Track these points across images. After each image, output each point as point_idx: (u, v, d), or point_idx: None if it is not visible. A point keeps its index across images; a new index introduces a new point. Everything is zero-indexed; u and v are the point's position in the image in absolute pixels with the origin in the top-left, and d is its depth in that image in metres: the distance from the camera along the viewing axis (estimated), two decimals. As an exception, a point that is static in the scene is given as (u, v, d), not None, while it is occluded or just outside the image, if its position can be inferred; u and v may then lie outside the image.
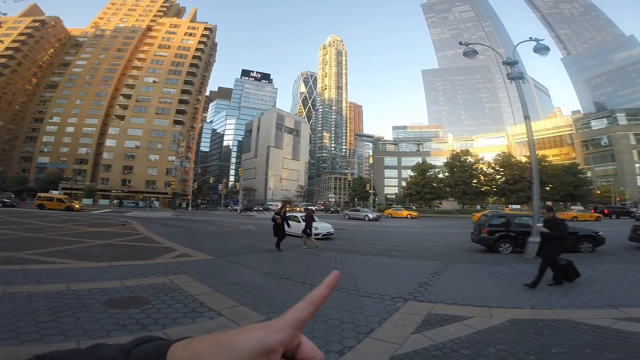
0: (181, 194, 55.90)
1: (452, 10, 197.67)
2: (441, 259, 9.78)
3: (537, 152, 13.27)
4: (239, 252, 10.59)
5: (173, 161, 56.51)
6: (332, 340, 3.74)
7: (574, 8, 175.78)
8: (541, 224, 6.70)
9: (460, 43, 12.54)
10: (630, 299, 5.27)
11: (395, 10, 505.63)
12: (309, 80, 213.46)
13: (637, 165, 78.20)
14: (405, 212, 41.62)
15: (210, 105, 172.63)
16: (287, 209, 11.92)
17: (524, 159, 57.97)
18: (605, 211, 39.17)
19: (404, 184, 71.63)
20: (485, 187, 55.99)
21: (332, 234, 16.36)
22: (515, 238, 11.51)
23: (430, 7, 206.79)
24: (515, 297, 5.52)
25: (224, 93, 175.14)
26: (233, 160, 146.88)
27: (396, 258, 10.12)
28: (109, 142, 72.96)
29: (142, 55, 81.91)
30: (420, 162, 65.55)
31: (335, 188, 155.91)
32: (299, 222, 14.22)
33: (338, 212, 56.52)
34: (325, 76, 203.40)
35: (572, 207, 43.95)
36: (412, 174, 61.95)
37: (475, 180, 55.55)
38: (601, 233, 12.00)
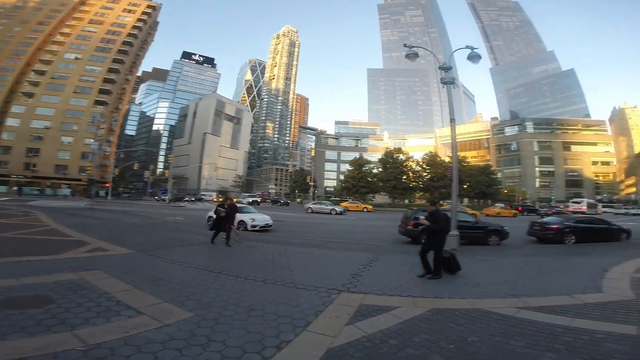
0: (98, 180, 49.52)
1: (405, 14, 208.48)
2: (372, 250, 10.14)
3: (458, 153, 14.52)
4: (165, 245, 9.72)
5: (90, 144, 49.83)
6: (269, 335, 3.61)
7: (512, 22, 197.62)
8: (424, 217, 6.91)
9: (405, 45, 12.94)
10: (528, 289, 5.90)
11: (353, 8, 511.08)
12: (257, 68, 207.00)
13: (537, 169, 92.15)
14: (362, 206, 42.93)
15: (142, 86, 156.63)
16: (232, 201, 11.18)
17: (447, 159, 64.09)
18: (520, 209, 45.59)
19: (342, 177, 73.84)
20: (414, 183, 60.64)
21: (271, 225, 16.02)
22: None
23: (385, 8, 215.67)
24: (435, 287, 5.90)
25: (159, 74, 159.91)
26: (163, 146, 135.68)
27: (332, 250, 10.26)
28: (10, 122, 62.49)
29: (67, 30, 72.01)
30: (358, 157, 68.13)
31: (276, 179, 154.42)
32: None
33: (288, 204, 54.43)
34: (275, 66, 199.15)
35: (497, 205, 49.86)
36: (349, 168, 64.13)
37: (405, 177, 59.57)
38: (506, 228, 13.42)
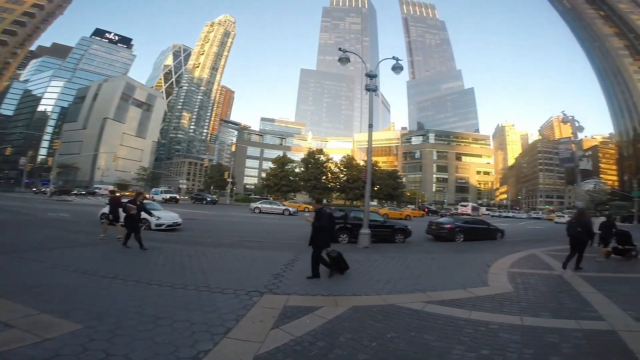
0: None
1: (346, 20, 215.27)
2: (293, 249, 10.02)
3: (372, 158, 15.49)
4: (44, 246, 8.06)
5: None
6: (183, 345, 3.22)
7: (434, 40, 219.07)
8: (309, 215, 7.29)
9: (340, 49, 13.34)
10: (430, 283, 6.47)
11: (299, 7, 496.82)
12: (181, 54, 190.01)
13: (434, 175, 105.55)
14: (302, 205, 40.82)
15: (32, 62, 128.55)
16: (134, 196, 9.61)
17: (362, 163, 68.62)
18: (425, 210, 51.45)
19: (263, 175, 72.60)
20: (332, 184, 63.18)
21: (180, 224, 14.61)
22: (351, 229, 12.89)
23: (329, 12, 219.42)
24: (353, 285, 6.07)
25: (59, 51, 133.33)
26: (50, 130, 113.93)
27: (251, 249, 9.82)
28: None
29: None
30: (282, 155, 67.91)
31: (189, 173, 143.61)
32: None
33: (215, 203, 45.78)
34: (203, 54, 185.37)
35: (409, 206, 55.02)
36: (272, 165, 63.48)
37: (324, 177, 61.72)
38: (409, 227, 14.82)
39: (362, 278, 6.72)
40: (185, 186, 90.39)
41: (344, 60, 13.10)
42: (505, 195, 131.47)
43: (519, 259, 10.10)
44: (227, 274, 6.31)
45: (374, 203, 61.69)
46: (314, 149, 67.40)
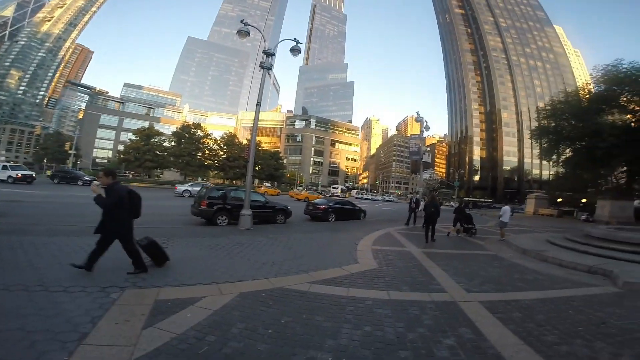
0: None
1: None
2: (161, 234, 8.84)
3: (257, 137, 15.21)
4: None
5: None
6: (26, 358, 2.57)
7: (333, 31, 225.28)
8: (98, 183, 5.11)
9: (241, 21, 12.43)
10: (312, 263, 6.70)
11: None
12: (29, 5, 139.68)
13: (312, 159, 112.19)
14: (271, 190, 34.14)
15: None
16: None
17: (244, 141, 66.79)
18: (322, 194, 53.37)
19: (122, 148, 61.90)
20: (209, 162, 59.25)
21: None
22: (231, 210, 12.35)
23: None
24: (237, 270, 5.75)
25: None
26: None
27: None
28: None
29: None
30: (147, 126, 59.13)
31: (10, 143, 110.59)
32: None
33: (88, 183, 28.82)
34: (61, 7, 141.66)
35: (301, 188, 55.97)
36: (134, 137, 54.67)
37: (200, 154, 57.29)
38: (289, 207, 15.25)
39: (247, 262, 6.45)
40: (3, 158, 68.90)
41: (244, 33, 12.21)
42: (366, 180, 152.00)
43: (378, 236, 11.63)
44: (70, 269, 4.83)
45: (256, 183, 61.29)
46: (190, 123, 61.64)
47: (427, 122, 24.65)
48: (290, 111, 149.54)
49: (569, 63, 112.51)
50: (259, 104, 13.26)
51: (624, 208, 30.35)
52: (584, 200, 45.12)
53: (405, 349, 3.23)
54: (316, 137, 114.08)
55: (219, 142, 60.83)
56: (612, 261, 7.92)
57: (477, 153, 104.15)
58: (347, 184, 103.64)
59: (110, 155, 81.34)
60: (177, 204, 20.05)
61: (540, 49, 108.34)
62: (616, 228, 12.36)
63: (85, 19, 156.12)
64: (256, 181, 66.48)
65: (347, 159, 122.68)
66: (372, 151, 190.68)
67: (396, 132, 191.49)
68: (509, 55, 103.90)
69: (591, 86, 36.55)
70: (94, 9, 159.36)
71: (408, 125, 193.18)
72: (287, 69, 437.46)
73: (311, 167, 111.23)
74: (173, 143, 56.06)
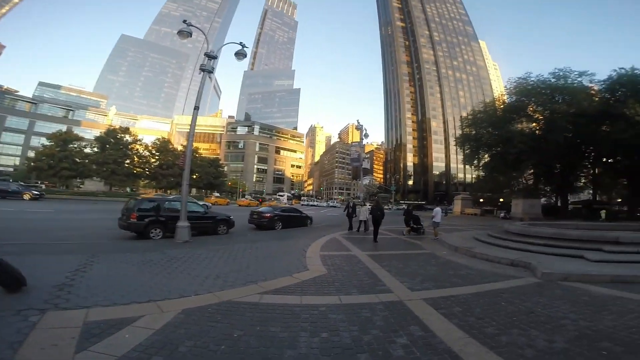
0: None
1: None
2: (84, 251, 7.91)
3: (194, 143, 14.42)
4: None
5: None
6: None
7: (283, 37, 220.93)
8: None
9: (184, 21, 11.70)
10: (260, 273, 6.47)
11: None
12: None
13: (255, 166, 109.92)
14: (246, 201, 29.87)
15: None
16: None
17: (180, 147, 62.77)
18: (260, 200, 52.52)
19: (32, 154, 53.88)
20: (138, 170, 54.66)
21: None
22: (166, 223, 11.55)
23: None
24: (177, 286, 5.34)
25: None
26: None
27: (12, 255, 6.94)
28: None
29: None
30: (65, 130, 52.46)
31: None
32: None
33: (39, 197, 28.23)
34: None
35: (247, 197, 54.43)
36: (48, 143, 48.01)
37: (128, 161, 52.55)
38: (232, 217, 14.62)
39: (188, 276, 6.01)
40: None
41: (185, 34, 11.50)
42: (311, 187, 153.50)
43: (325, 242, 11.78)
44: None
45: (193, 192, 57.84)
46: (117, 127, 56.20)
47: (366, 130, 25.89)
48: (232, 116, 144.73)
49: (489, 75, 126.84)
50: (197, 108, 12.62)
51: (533, 205, 35.03)
52: (501, 200, 51.23)
53: (363, 352, 3.26)
54: (260, 143, 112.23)
55: (150, 148, 56.42)
56: (529, 254, 8.96)
57: (410, 159, 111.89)
58: (292, 191, 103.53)
59: (17, 163, 70.23)
60: (103, 216, 18.00)
61: (466, 62, 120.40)
62: (529, 224, 14.05)
63: (3, 10, 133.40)
64: (193, 191, 62.85)
65: (293, 166, 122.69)
66: (317, 158, 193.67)
67: (338, 140, 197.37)
68: (439, 68, 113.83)
69: (505, 97, 41.63)
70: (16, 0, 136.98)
71: (349, 132, 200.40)
72: (230, 73, 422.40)
73: (254, 175, 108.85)
74: (96, 149, 50.54)
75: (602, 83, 34.24)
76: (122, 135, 52.47)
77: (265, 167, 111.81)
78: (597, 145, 33.06)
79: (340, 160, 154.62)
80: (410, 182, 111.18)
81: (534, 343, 3.57)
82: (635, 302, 5.12)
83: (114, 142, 50.75)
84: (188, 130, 13.20)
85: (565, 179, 38.65)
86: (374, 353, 3.25)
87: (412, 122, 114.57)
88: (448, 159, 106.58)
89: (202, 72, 12.47)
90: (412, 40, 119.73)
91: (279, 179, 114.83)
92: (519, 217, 31.91)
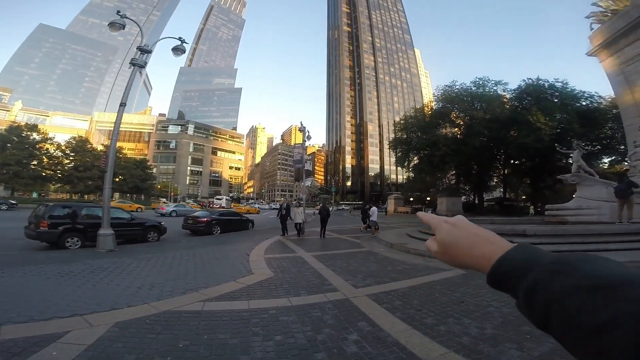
0: None
1: None
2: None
3: (117, 143, 13.24)
4: None
5: None
6: None
7: (227, 34, 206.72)
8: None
9: (118, 12, 10.78)
10: (201, 281, 6.18)
11: None
12: None
13: (189, 168, 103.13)
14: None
15: None
16: None
17: (100, 147, 56.25)
18: (201, 203, 49.42)
19: None
20: (48, 172, 47.95)
21: None
22: (85, 231, 10.58)
23: None
24: (105, 298, 4.85)
25: None
26: None
27: None
28: None
29: None
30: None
31: None
32: None
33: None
34: None
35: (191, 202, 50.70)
36: None
37: (35, 162, 45.78)
38: (163, 223, 13.80)
39: (117, 287, 5.48)
40: None
41: (117, 26, 10.55)
42: (251, 189, 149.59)
43: (269, 245, 11.70)
44: None
45: (116, 197, 52.23)
46: (22, 124, 48.54)
47: (309, 132, 26.03)
48: (163, 114, 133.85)
49: (420, 83, 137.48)
50: (123, 104, 11.56)
51: (455, 203, 38.78)
52: (428, 199, 55.86)
53: (319, 351, 3.32)
54: (194, 144, 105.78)
55: (64, 147, 49.70)
56: (454, 247, 9.97)
57: (349, 161, 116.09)
58: (231, 194, 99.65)
59: None
60: (9, 225, 15.41)
61: (402, 69, 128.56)
62: (453, 220, 15.71)
63: None
64: (116, 195, 56.62)
65: (231, 167, 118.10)
66: (258, 160, 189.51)
67: (281, 141, 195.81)
68: (377, 74, 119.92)
69: (433, 103, 45.37)
70: None
71: (292, 134, 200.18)
72: (163, 70, 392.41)
73: (188, 177, 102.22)
74: (-6, 149, 42.91)
75: (513, 92, 39.21)
76: (29, 133, 45.43)
77: (201, 169, 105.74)
78: (507, 148, 37.85)
79: (283, 161, 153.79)
80: (349, 183, 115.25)
81: (468, 330, 3.92)
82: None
83: (17, 140, 43.67)
84: (111, 129, 12.00)
85: (481, 179, 43.50)
86: (329, 351, 3.32)
87: (351, 125, 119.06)
88: (382, 161, 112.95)
89: (132, 67, 11.42)
90: (355, 45, 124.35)
91: (216, 181, 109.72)
92: (444, 213, 35.10)
